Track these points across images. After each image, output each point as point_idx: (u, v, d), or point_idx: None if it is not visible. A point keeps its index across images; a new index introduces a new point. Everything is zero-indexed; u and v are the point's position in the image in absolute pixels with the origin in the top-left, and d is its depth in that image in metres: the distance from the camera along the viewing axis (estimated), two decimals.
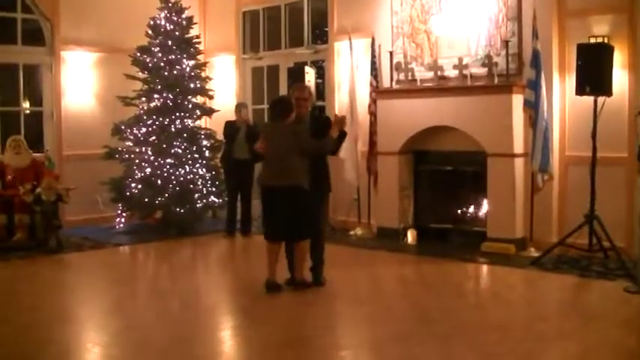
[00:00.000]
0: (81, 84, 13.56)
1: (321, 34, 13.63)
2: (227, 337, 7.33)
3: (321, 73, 13.53)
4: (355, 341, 7.05)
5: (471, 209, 11.57)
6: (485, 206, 11.11)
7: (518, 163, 10.54)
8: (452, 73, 11.14)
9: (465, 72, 10.96)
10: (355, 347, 6.82)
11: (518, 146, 10.53)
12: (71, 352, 6.74)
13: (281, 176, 8.49)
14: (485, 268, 9.94)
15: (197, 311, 8.06)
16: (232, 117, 12.53)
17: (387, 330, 7.12)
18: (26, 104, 14.00)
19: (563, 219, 10.49)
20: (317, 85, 13.07)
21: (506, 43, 10.56)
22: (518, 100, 10.40)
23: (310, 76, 12.59)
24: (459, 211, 11.70)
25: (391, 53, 11.81)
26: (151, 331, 7.36)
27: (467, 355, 6.31)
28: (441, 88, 11.18)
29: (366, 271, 9.99)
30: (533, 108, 10.18)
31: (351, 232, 12.25)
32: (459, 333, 6.95)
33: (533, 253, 10.20)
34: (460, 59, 10.99)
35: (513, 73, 10.58)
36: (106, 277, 10.00)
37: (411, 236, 11.46)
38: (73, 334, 7.31)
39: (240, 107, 12.56)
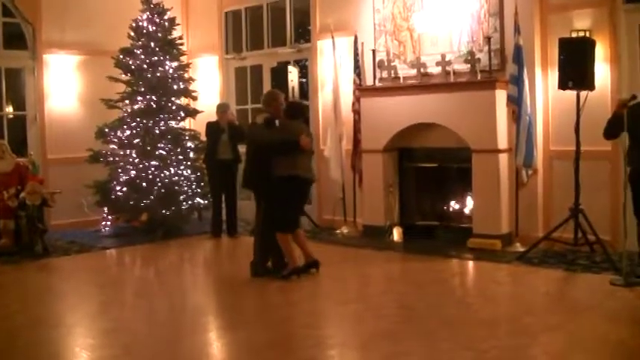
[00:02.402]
0: (64, 87, 13.53)
1: (303, 33, 13.63)
2: (214, 337, 7.32)
3: (304, 72, 13.52)
4: (342, 340, 7.03)
5: (457, 205, 11.59)
6: (470, 202, 11.13)
7: (503, 158, 10.55)
8: (435, 70, 11.17)
9: (447, 68, 10.98)
10: (342, 346, 6.80)
11: (502, 142, 10.55)
12: (59, 356, 6.73)
13: (311, 169, 9.47)
14: (471, 264, 9.97)
15: (184, 312, 8.05)
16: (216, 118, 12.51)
17: (374, 328, 7.13)
18: (9, 108, 13.94)
19: (548, 213, 10.52)
20: (300, 84, 13.05)
21: (488, 39, 10.58)
22: (501, 96, 10.42)
23: (293, 75, 12.60)
24: (445, 207, 11.73)
25: (374, 51, 11.82)
26: (138, 333, 7.36)
27: (454, 351, 6.31)
28: (424, 85, 11.20)
29: (352, 270, 10.01)
30: (516, 103, 10.21)
31: (337, 231, 12.26)
32: (445, 329, 6.95)
33: (519, 248, 10.22)
34: (443, 56, 11.01)
35: (496, 68, 10.60)
36: (92, 281, 9.97)
37: (396, 234, 11.47)
38: (60, 338, 7.28)
39: (222, 107, 12.55)
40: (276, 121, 9.29)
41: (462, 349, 6.31)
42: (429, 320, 7.27)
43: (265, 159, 9.09)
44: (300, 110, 9.73)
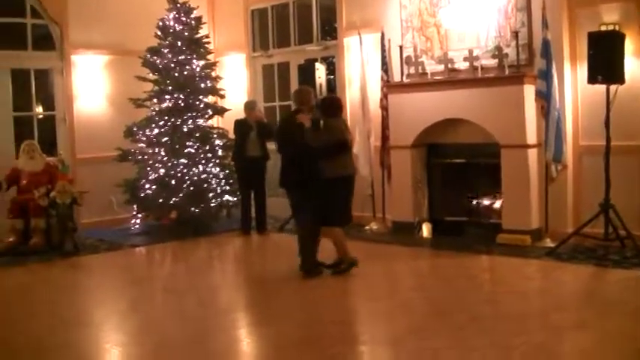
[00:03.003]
0: (92, 87, 13.59)
1: (330, 30, 13.60)
2: (244, 334, 7.34)
3: (331, 69, 13.50)
4: (372, 336, 7.05)
5: (486, 201, 11.53)
6: (499, 198, 11.06)
7: (532, 153, 10.49)
8: (462, 65, 11.11)
9: (475, 64, 10.92)
10: (372, 342, 6.81)
11: (531, 137, 10.49)
12: (90, 354, 6.78)
13: (354, 164, 9.63)
14: (500, 259, 9.89)
15: (214, 310, 8.08)
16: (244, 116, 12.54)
17: (404, 324, 7.13)
18: (39, 109, 14.05)
19: (578, 209, 10.45)
20: (328, 81, 13.03)
21: (515, 34, 10.51)
22: (529, 91, 10.36)
23: (321, 72, 12.57)
24: (474, 203, 11.66)
25: (401, 47, 11.78)
26: (168, 330, 7.39)
27: (483, 347, 6.28)
28: (451, 80, 11.14)
29: (381, 266, 9.96)
30: (544, 98, 10.13)
31: (366, 227, 12.22)
32: (475, 325, 6.93)
33: (549, 243, 10.16)
34: (470, 51, 10.95)
35: (524, 63, 10.52)
36: (122, 279, 10.06)
37: (426, 230, 11.44)
38: (91, 336, 7.33)
39: (250, 105, 12.58)
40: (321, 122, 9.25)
41: (492, 346, 6.29)
42: (458, 316, 7.23)
43: (313, 160, 9.05)
44: (340, 107, 9.68)
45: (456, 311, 7.45)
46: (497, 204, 11.20)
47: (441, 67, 11.35)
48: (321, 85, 12.48)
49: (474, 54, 10.93)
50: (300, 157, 9.08)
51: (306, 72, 12.80)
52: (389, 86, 11.93)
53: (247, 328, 7.56)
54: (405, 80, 11.80)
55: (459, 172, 11.67)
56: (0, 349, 6.98)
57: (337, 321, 7.38)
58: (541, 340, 6.41)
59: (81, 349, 6.86)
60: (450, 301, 7.91)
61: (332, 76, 13.51)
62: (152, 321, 7.78)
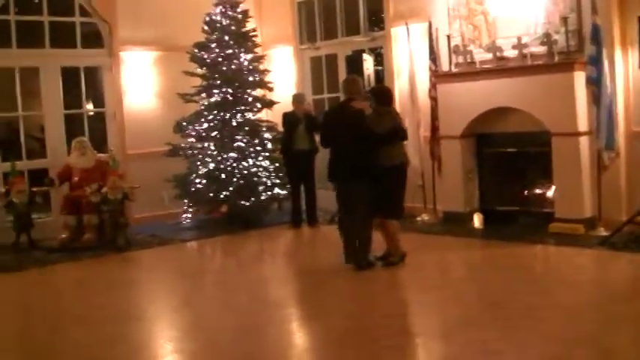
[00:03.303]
0: (141, 83, 13.69)
1: (377, 21, 13.53)
2: (295, 328, 7.36)
3: (379, 60, 13.44)
4: (423, 328, 7.02)
5: (538, 190, 11.40)
6: (551, 187, 10.93)
7: (583, 141, 10.34)
8: (511, 53, 10.96)
9: (524, 51, 10.77)
10: (423, 334, 6.79)
11: (583, 124, 10.33)
12: (143, 349, 6.83)
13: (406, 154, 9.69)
14: (553, 249, 9.78)
15: (265, 303, 8.10)
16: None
17: (455, 316, 7.07)
18: (89, 106, 14.18)
19: (632, 196, 10.27)
20: (376, 72, 12.96)
21: (564, 20, 10.36)
22: (580, 78, 10.20)
23: (369, 63, 12.52)
24: (525, 192, 11.54)
25: (449, 36, 11.67)
26: (219, 325, 7.43)
27: (536, 338, 6.21)
28: (500, 69, 11.01)
29: (433, 257, 9.91)
30: (595, 84, 9.98)
31: (417, 218, 12.13)
32: (527, 317, 6.84)
33: (603, 232, 9.99)
34: (519, 39, 10.80)
35: (574, 50, 10.36)
36: (173, 273, 10.12)
37: (477, 220, 11.34)
38: (143, 331, 7.41)
39: (298, 98, 12.55)
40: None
41: (544, 337, 6.21)
42: (510, 308, 7.16)
43: (374, 148, 8.99)
44: (391, 95, 9.76)
45: (507, 302, 7.38)
46: (549, 193, 11.06)
47: (490, 56, 11.23)
48: (369, 76, 12.44)
49: (523, 41, 10.78)
50: (361, 145, 8.94)
51: (354, 63, 12.75)
52: (437, 76, 11.84)
53: (298, 322, 7.57)
54: (454, 70, 11.70)
55: (509, 161, 11.55)
56: (55, 342, 7.09)
57: (388, 313, 7.34)
58: (595, 333, 6.33)
59: (134, 343, 6.93)
60: (501, 292, 7.84)
61: (379, 67, 13.44)
62: (204, 315, 7.81)
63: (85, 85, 13.41)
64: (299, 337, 7.08)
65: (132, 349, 6.76)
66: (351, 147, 8.97)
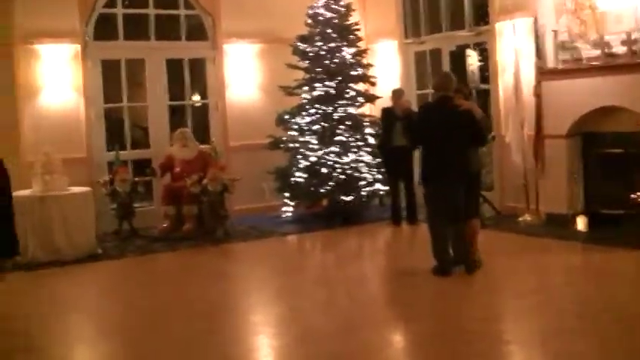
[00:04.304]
0: (244, 75, 13.77)
1: (482, 15, 13.27)
2: (388, 328, 7.23)
3: (484, 56, 13.18)
4: (516, 335, 6.78)
5: None
6: None
7: None
8: (620, 49, 10.55)
9: (633, 48, 10.39)
10: (515, 342, 6.55)
11: None
12: (236, 342, 6.83)
13: None
14: None
15: (358, 302, 8.00)
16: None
17: (549, 324, 6.81)
18: (196, 97, 14.35)
19: None
20: (479, 68, 12.72)
21: None
22: None
23: (472, 59, 12.27)
24: (633, 195, 11.13)
25: (555, 32, 11.35)
26: (312, 322, 7.38)
27: (631, 353, 5.94)
28: (609, 65, 10.62)
29: (531, 260, 9.56)
30: None
31: (519, 219, 11.83)
32: (627, 329, 6.55)
33: None
34: (628, 34, 10.38)
35: None
36: (270, 267, 10.13)
37: (581, 223, 10.99)
38: (236, 323, 7.42)
39: (397, 93, 12.38)
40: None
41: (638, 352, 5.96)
42: (608, 318, 6.87)
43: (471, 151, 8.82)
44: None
45: (605, 312, 7.07)
46: None
47: (597, 52, 10.85)
48: (472, 72, 12.18)
49: (633, 37, 10.40)
50: (463, 146, 8.67)
51: (458, 59, 12.54)
52: (543, 73, 11.53)
53: (391, 322, 7.46)
54: (560, 66, 11.38)
55: (616, 162, 11.13)
56: (150, 331, 7.18)
57: (481, 317, 7.12)
58: None
59: (226, 336, 6.94)
60: (600, 300, 7.52)
61: (484, 63, 13.17)
62: (297, 311, 7.78)
63: (190, 77, 13.57)
64: (391, 337, 6.98)
65: (225, 341, 6.76)
66: (452, 148, 8.60)
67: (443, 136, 8.61)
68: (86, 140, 12.46)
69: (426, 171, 8.95)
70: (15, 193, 10.25)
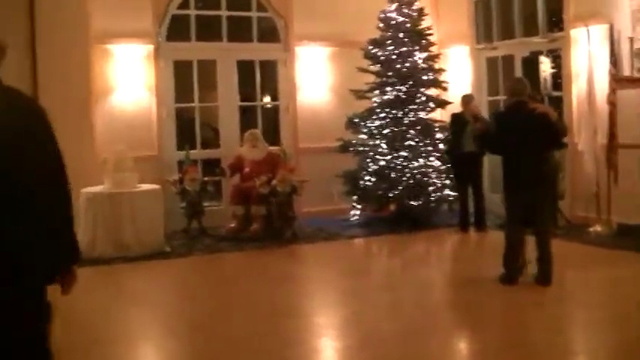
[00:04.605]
0: (315, 78, 13.84)
1: (556, 22, 13.10)
2: (452, 336, 7.17)
3: (557, 62, 13.01)
4: (584, 348, 6.67)
5: None
6: None
7: None
8: None
9: None
10: (583, 354, 6.44)
11: None
12: (298, 343, 6.83)
13: None
14: None
15: (423, 308, 7.94)
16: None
17: (618, 338, 6.68)
18: (267, 99, 14.44)
19: None
20: (552, 75, 12.56)
21: None
22: None
23: (545, 65, 12.14)
24: None
25: (631, 39, 11.17)
26: (375, 326, 7.32)
27: None
28: None
29: (601, 272, 9.30)
30: None
31: (590, 229, 11.61)
32: None
33: None
34: None
35: None
36: (336, 270, 10.10)
37: None
38: (298, 325, 7.38)
39: (466, 99, 12.26)
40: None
41: None
42: None
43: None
44: None
45: None
46: None
47: None
48: (545, 80, 12.05)
49: None
50: (544, 151, 8.55)
51: (530, 65, 12.40)
52: (618, 80, 11.33)
53: (455, 330, 7.38)
54: (635, 74, 11.19)
55: None
56: (213, 330, 7.19)
57: (549, 328, 6.97)
58: None
59: (289, 337, 6.94)
60: None
61: (557, 70, 12.99)
62: (361, 314, 7.74)
63: (261, 79, 13.66)
64: (454, 345, 6.93)
65: (287, 342, 6.77)
66: (529, 152, 8.39)
67: (520, 142, 8.39)
68: (157, 139, 12.69)
69: (505, 178, 8.70)
70: (86, 189, 10.51)
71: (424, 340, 6.72)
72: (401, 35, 12.90)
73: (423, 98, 13.08)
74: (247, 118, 13.73)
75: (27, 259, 3.55)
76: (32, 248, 3.57)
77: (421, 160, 12.72)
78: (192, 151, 12.70)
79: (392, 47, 12.89)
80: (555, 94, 12.53)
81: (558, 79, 12.80)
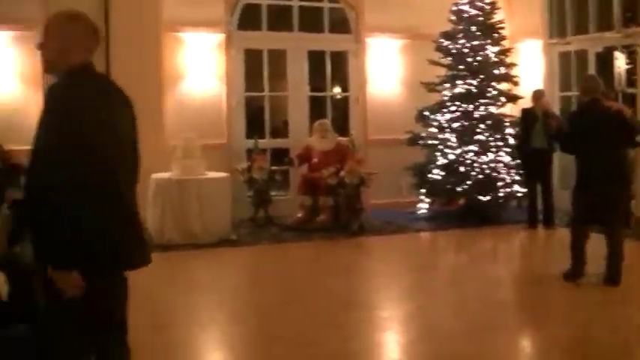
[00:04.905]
0: (385, 70, 13.77)
1: (632, 17, 12.86)
2: (518, 333, 7.12)
3: (632, 58, 12.77)
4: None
5: None
6: None
7: None
8: None
9: None
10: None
11: None
12: (361, 335, 6.84)
13: None
14: None
15: (487, 305, 7.86)
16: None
17: None
18: (337, 89, 14.44)
19: None
20: (627, 71, 12.34)
21: None
22: None
23: (620, 61, 11.93)
24: None
25: None
26: (438, 321, 7.31)
27: None
28: None
29: None
30: None
31: None
32: None
33: None
34: None
35: None
36: (402, 263, 10.12)
37: None
38: (364, 317, 7.37)
39: (537, 94, 12.10)
40: None
41: None
42: None
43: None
44: None
45: None
46: None
47: None
48: (619, 76, 11.84)
49: None
50: (619, 150, 8.40)
51: (604, 61, 12.19)
52: None
53: (521, 327, 7.33)
54: None
55: None
56: (275, 319, 7.23)
57: (611, 327, 6.92)
58: None
59: (351, 330, 6.94)
60: None
61: (630, 66, 12.75)
62: (425, 309, 7.72)
63: (332, 69, 13.68)
64: (518, 342, 6.87)
65: (350, 335, 6.77)
66: (604, 151, 8.21)
67: (594, 140, 8.25)
68: (227, 127, 12.77)
69: (579, 176, 8.51)
70: (155, 175, 10.62)
71: (488, 338, 6.66)
72: (473, 28, 12.79)
73: (494, 92, 12.95)
74: (317, 108, 13.74)
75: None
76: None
77: (491, 155, 12.60)
78: (261, 140, 12.77)
79: (463, 40, 12.80)
80: (630, 91, 12.29)
81: (633, 75, 12.55)
